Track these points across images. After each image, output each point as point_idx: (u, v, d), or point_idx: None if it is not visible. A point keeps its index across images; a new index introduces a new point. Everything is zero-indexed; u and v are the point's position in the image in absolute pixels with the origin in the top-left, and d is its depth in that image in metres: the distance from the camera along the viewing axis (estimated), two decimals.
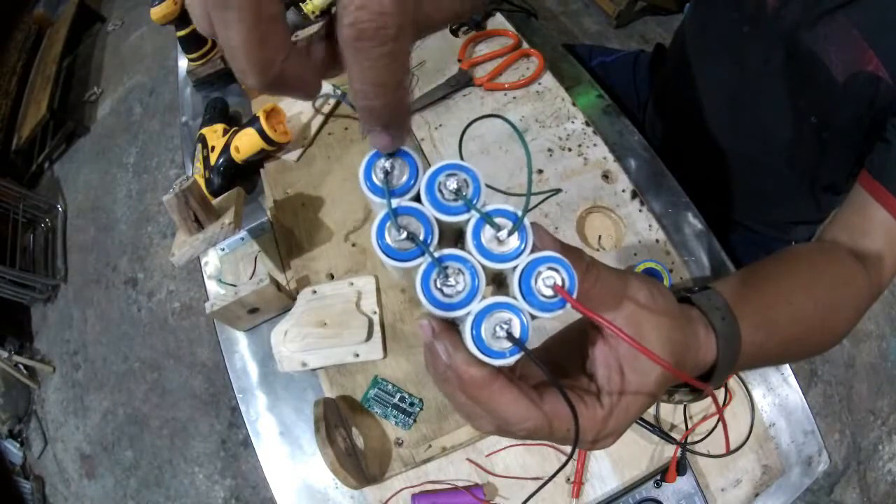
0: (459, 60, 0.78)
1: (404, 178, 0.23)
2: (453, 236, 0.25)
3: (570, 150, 0.69)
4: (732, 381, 0.54)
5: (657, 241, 0.62)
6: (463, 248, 0.24)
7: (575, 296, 0.23)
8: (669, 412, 0.54)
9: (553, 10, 2.15)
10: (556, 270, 0.23)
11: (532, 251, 0.23)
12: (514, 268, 0.23)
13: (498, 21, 0.82)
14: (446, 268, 0.23)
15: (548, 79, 0.75)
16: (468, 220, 0.23)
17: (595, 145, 0.68)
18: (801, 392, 0.55)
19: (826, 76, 0.50)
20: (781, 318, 0.38)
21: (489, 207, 0.23)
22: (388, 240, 0.23)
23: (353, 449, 0.54)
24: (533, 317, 0.24)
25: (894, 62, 0.45)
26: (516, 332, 0.23)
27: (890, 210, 0.44)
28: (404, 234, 0.22)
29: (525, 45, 0.78)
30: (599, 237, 0.64)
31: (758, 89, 0.60)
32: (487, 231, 0.23)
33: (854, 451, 1.32)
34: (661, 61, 0.86)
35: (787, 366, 0.56)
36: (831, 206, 0.68)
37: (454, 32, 0.82)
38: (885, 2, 0.45)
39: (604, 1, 2.05)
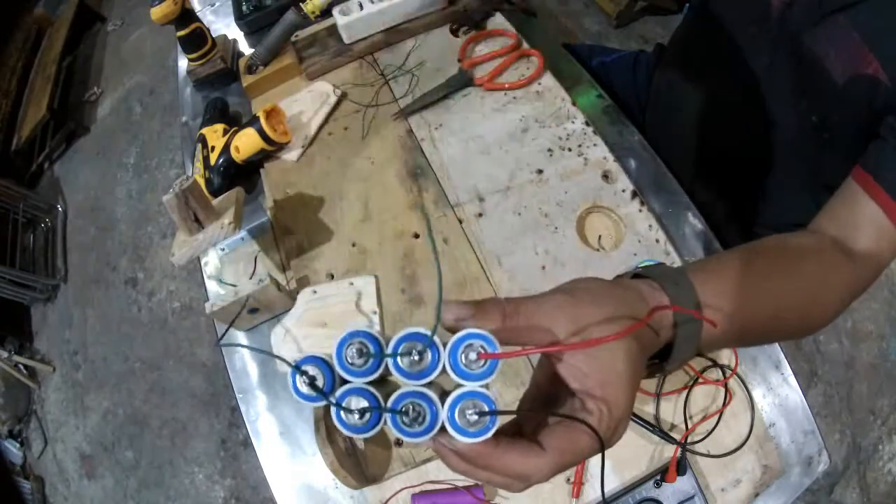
0: (459, 60, 0.78)
1: (321, 381, 0.27)
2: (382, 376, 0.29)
3: (570, 150, 0.69)
4: (733, 381, 0.54)
5: (657, 241, 0.62)
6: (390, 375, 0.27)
7: (497, 350, 0.26)
8: (669, 412, 0.54)
9: (553, 10, 2.15)
10: (471, 345, 0.26)
11: (456, 327, 0.26)
12: (442, 370, 0.26)
13: (498, 21, 0.82)
14: (402, 410, 0.26)
15: (548, 79, 0.75)
16: (381, 367, 0.27)
17: (595, 145, 0.68)
18: (801, 392, 0.55)
19: (826, 78, 0.50)
20: (754, 292, 0.37)
21: (395, 338, 0.26)
22: (345, 417, 0.27)
23: (353, 449, 0.54)
24: (486, 385, 0.26)
25: (894, 65, 0.45)
26: (486, 408, 0.26)
27: (880, 203, 0.44)
28: (363, 404, 0.26)
29: (525, 45, 0.78)
30: (599, 237, 0.64)
31: (759, 90, 0.60)
32: (405, 360, 0.26)
33: (854, 451, 1.32)
34: (661, 61, 0.86)
35: (787, 366, 0.56)
36: None
37: (454, 32, 0.82)
38: (885, 5, 0.45)
39: (604, 1, 2.05)
